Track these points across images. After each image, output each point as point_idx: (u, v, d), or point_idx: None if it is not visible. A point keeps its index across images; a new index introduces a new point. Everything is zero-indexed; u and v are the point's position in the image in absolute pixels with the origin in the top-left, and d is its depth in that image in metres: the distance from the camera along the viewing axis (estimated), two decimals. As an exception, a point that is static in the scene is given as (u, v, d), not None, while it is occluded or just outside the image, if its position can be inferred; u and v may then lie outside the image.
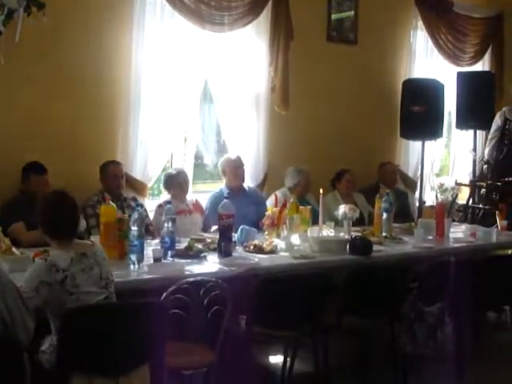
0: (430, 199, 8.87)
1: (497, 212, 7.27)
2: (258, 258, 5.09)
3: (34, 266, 3.71)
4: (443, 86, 8.24)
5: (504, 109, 8.86)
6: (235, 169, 6.86)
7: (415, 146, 8.65)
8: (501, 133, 8.81)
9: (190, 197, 6.77)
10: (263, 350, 5.68)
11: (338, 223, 6.08)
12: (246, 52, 7.29)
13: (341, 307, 4.93)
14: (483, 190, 8.95)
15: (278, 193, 6.90)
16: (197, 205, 6.67)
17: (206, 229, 6.37)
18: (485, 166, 9.00)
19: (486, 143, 9.38)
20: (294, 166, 7.24)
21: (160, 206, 6.16)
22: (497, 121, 8.83)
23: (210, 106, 7.44)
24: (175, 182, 6.45)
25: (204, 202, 6.84)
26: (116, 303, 3.90)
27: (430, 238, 6.24)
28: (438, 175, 9.64)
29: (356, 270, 5.04)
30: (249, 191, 6.98)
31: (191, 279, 4.21)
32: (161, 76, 6.72)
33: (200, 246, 5.22)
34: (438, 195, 7.31)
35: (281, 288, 4.65)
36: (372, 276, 5.08)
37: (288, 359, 5.05)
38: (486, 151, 9.01)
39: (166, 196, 6.58)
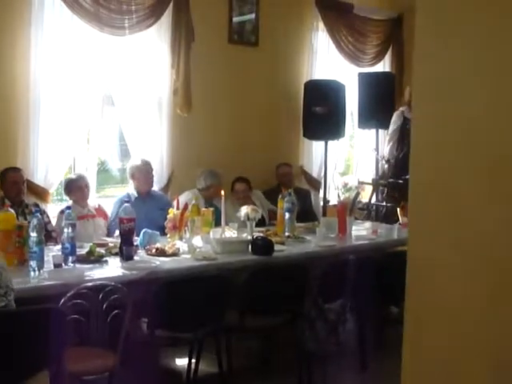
0: (334, 198, 9.00)
1: (398, 209, 7.43)
2: (159, 261, 5.08)
3: None
4: (344, 87, 8.39)
5: (402, 109, 9.02)
6: (146, 173, 6.86)
7: (318, 146, 8.74)
8: (400, 132, 8.97)
9: (94, 202, 6.71)
10: (169, 352, 5.68)
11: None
12: (148, 55, 7.26)
13: (242, 307, 4.97)
14: (385, 188, 9.12)
15: (189, 193, 6.94)
16: (100, 210, 6.63)
17: (111, 233, 6.33)
18: (386, 165, 9.17)
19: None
20: (209, 168, 7.27)
21: (62, 211, 6.10)
22: (396, 121, 8.99)
23: (112, 110, 7.38)
24: (75, 187, 6.39)
25: (109, 206, 6.80)
26: (13, 310, 3.85)
27: (333, 236, 6.34)
28: (342, 174, 9.80)
29: (257, 270, 5.08)
30: (156, 195, 6.97)
31: (90, 284, 4.19)
32: (61, 79, 6.63)
33: (102, 250, 5.19)
34: (340, 194, 7.41)
35: (182, 290, 4.67)
36: (273, 275, 5.14)
37: (192, 361, 5.08)
38: (387, 150, 9.17)
39: (69, 202, 6.51)
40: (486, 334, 2.41)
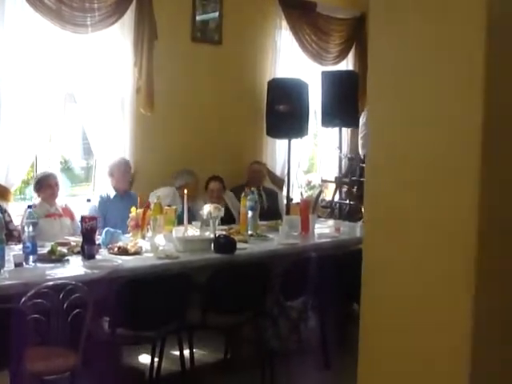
0: (297, 197, 9.02)
1: (362, 207, 7.47)
2: (122, 259, 5.07)
3: None
4: (307, 85, 8.42)
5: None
6: (124, 172, 6.90)
7: (282, 144, 8.77)
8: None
9: (61, 201, 6.68)
10: (131, 351, 5.67)
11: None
12: (111, 53, 7.23)
13: (205, 305, 4.98)
14: (347, 186, 9.17)
15: (165, 189, 6.97)
16: (66, 209, 6.59)
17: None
18: (348, 163, 9.23)
19: (351, 141, 9.63)
20: (185, 168, 7.31)
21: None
22: (364, 120, 9.04)
23: (74, 108, 7.33)
24: (46, 185, 6.35)
25: (75, 206, 6.76)
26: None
27: (295, 234, 6.36)
28: (306, 173, 9.83)
29: (219, 268, 5.09)
30: (133, 194, 6.97)
31: (50, 283, 4.18)
32: (23, 77, 6.58)
33: (63, 249, 5.16)
34: (303, 192, 7.45)
35: (144, 289, 4.68)
36: (236, 273, 5.16)
37: (155, 359, 5.09)
38: (360, 149, 9.14)
39: (37, 200, 6.46)
40: (440, 330, 2.45)
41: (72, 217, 6.57)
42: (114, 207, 6.17)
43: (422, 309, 2.50)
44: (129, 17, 7.29)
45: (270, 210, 7.93)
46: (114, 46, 7.25)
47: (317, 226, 6.78)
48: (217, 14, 8.32)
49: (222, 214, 6.01)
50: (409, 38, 2.46)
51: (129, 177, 6.98)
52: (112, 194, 6.76)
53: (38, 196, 6.41)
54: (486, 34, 2.28)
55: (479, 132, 2.27)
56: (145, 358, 5.64)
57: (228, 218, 6.89)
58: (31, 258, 4.83)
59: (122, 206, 6.44)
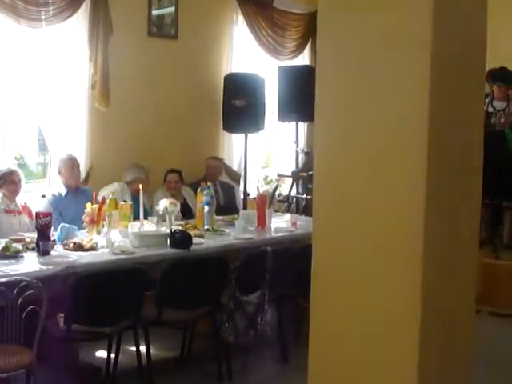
0: (254, 191, 9.04)
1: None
2: (77, 255, 5.05)
3: None
4: (264, 80, 8.44)
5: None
6: (71, 168, 6.81)
7: (239, 139, 8.77)
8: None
9: (21, 199, 6.61)
10: (88, 347, 5.64)
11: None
12: (66, 48, 7.17)
13: (160, 300, 4.98)
14: (304, 180, 9.21)
15: (113, 185, 6.92)
16: (25, 207, 6.53)
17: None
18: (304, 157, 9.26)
19: (307, 135, 9.66)
20: (135, 162, 7.27)
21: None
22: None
23: (29, 104, 7.27)
24: (10, 180, 6.29)
25: (32, 203, 6.70)
26: None
27: (252, 229, 6.39)
28: (263, 167, 9.85)
29: (175, 263, 5.08)
30: (86, 190, 6.92)
31: (4, 280, 4.15)
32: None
33: (18, 246, 5.13)
34: (259, 187, 7.47)
35: (99, 285, 4.66)
36: (191, 268, 5.16)
37: (112, 355, 5.07)
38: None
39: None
40: (390, 323, 2.49)
41: (31, 215, 6.51)
42: (68, 204, 6.12)
43: (370, 299, 2.54)
44: (84, 11, 7.23)
45: (227, 205, 7.95)
46: (68, 40, 7.19)
47: (274, 220, 6.81)
48: (173, 8, 8.30)
49: (178, 209, 6.01)
50: (355, 36, 2.50)
51: (78, 173, 6.88)
52: (64, 191, 6.68)
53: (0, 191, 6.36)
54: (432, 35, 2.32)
55: (425, 126, 2.31)
56: (101, 354, 5.62)
57: (187, 214, 6.89)
58: (-16, 254, 4.80)
59: (77, 202, 6.39)
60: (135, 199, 6.42)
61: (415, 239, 2.36)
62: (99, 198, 6.00)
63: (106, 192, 6.45)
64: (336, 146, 2.59)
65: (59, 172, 6.83)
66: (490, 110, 8.12)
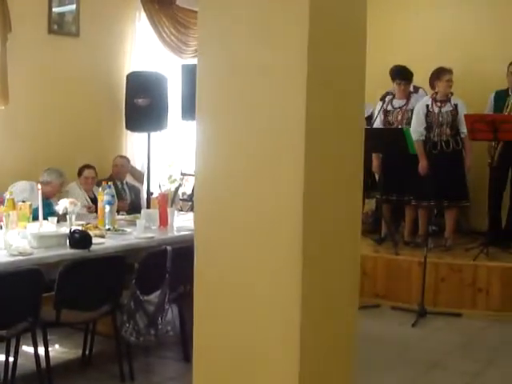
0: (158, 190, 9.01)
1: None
2: (-28, 257, 4.95)
3: None
4: (166, 79, 8.42)
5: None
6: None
7: (142, 138, 8.73)
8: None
9: None
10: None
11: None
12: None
13: (59, 301, 4.92)
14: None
15: (22, 183, 6.81)
16: None
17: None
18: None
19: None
20: (56, 168, 7.15)
21: None
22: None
23: None
24: None
25: None
26: None
27: (154, 228, 6.37)
28: (167, 166, 9.82)
29: (74, 264, 5.02)
30: None
31: None
32: None
33: None
34: (161, 186, 7.45)
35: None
36: (91, 268, 5.11)
37: (10, 358, 4.99)
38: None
39: None
40: (273, 320, 2.53)
41: None
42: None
43: (252, 299, 2.56)
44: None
45: (134, 205, 7.94)
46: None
47: (177, 219, 6.79)
48: (74, 6, 8.22)
49: (78, 208, 5.94)
50: (232, 34, 2.52)
51: None
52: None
53: None
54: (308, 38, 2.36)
55: (302, 124, 2.34)
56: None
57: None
58: None
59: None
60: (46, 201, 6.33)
61: (294, 239, 2.39)
62: (5, 195, 5.91)
63: (12, 190, 6.33)
64: (214, 145, 2.61)
65: None
66: (389, 108, 8.27)
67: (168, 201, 6.80)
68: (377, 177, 8.46)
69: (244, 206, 2.52)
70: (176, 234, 6.42)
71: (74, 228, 5.58)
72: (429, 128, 7.86)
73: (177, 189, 8.62)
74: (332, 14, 2.47)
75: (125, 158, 8.45)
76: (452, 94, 7.72)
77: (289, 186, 2.39)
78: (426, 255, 7.16)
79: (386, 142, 7.69)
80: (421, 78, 8.37)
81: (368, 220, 8.96)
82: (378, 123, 8.27)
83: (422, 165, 7.82)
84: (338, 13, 2.50)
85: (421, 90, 8.61)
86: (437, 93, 7.86)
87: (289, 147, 2.38)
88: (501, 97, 8.13)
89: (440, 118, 7.80)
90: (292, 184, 2.37)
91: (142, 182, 8.80)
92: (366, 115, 8.12)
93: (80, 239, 5.31)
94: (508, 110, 7.98)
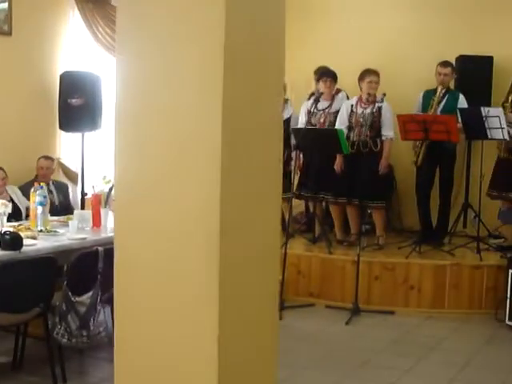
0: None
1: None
2: None
3: None
4: (100, 78, 8.38)
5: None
6: None
7: (76, 138, 8.65)
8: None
9: None
10: None
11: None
12: None
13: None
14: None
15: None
16: None
17: None
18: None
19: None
20: None
21: None
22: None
23: None
24: None
25: None
26: None
27: (87, 229, 6.33)
28: (102, 166, 9.73)
29: (4, 265, 4.97)
30: None
31: None
32: None
33: None
34: (94, 186, 7.39)
35: None
36: (22, 270, 5.06)
37: None
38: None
39: None
40: (194, 310, 2.53)
41: None
42: None
43: (170, 301, 2.57)
44: None
45: (63, 205, 7.86)
46: None
47: (110, 219, 6.74)
48: (6, 4, 8.11)
49: (9, 210, 5.89)
50: (150, 22, 2.52)
51: None
52: None
53: None
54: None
55: (219, 123, 2.35)
56: None
57: (15, 215, 6.75)
58: None
59: None
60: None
61: (211, 240, 2.40)
62: None
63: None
64: (132, 148, 2.61)
65: None
66: (313, 110, 8.29)
67: (102, 201, 6.77)
68: (294, 177, 8.42)
69: (162, 209, 2.53)
70: (109, 234, 6.37)
71: (4, 229, 5.53)
72: (350, 128, 7.97)
73: (111, 189, 8.55)
74: (249, 13, 2.49)
75: (49, 158, 8.29)
76: (385, 94, 7.78)
77: (206, 187, 2.40)
78: (359, 254, 7.25)
79: (321, 142, 7.75)
80: (345, 82, 8.50)
81: (302, 220, 9.03)
82: (301, 124, 8.27)
83: (338, 162, 7.97)
84: (255, 10, 2.52)
85: (342, 93, 8.63)
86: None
87: (205, 147, 2.39)
88: (429, 96, 8.26)
89: (361, 119, 7.91)
90: (209, 184, 2.38)
91: (76, 183, 8.72)
92: (285, 117, 8.16)
93: (11, 240, 5.26)
94: (432, 109, 8.10)
